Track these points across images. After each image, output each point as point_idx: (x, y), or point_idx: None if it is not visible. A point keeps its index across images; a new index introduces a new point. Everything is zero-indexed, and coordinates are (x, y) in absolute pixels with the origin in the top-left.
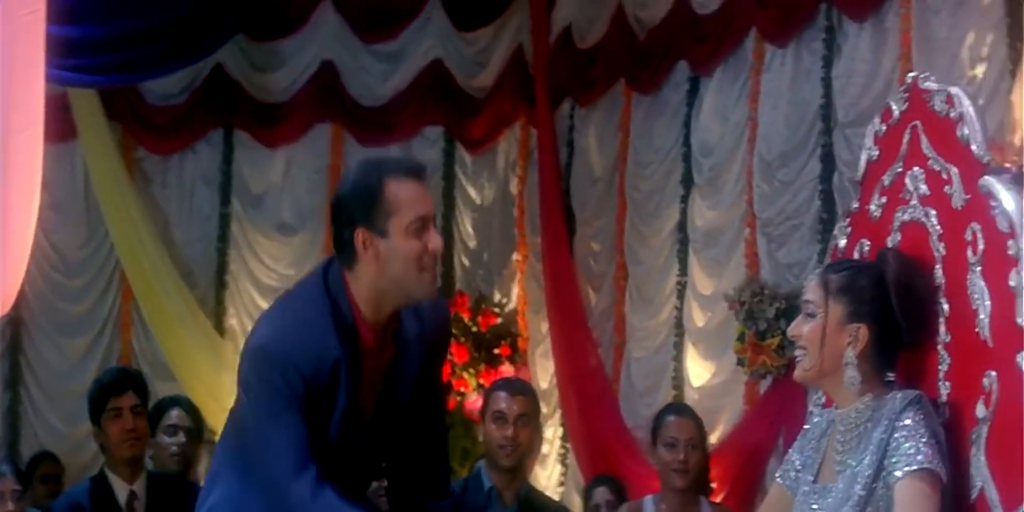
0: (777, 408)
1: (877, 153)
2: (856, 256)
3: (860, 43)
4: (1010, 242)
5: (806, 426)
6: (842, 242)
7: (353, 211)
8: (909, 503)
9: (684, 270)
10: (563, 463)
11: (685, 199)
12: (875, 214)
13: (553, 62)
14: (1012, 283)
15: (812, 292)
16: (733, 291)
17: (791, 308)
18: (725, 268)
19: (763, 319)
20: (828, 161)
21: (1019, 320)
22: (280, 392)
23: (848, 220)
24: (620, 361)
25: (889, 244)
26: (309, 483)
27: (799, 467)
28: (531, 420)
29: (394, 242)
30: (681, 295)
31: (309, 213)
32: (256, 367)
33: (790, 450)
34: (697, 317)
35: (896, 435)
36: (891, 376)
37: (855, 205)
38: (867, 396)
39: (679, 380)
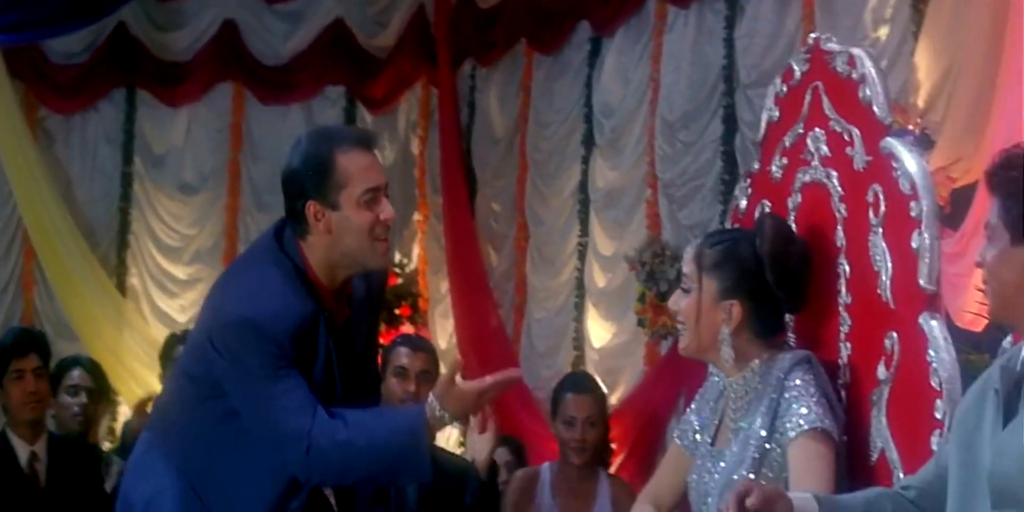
0: (677, 369)
1: (778, 114)
2: (757, 216)
3: (763, 4)
4: (912, 204)
5: (710, 382)
6: (743, 203)
7: (304, 184)
8: (804, 463)
9: (585, 231)
10: (463, 422)
11: (586, 160)
12: (776, 175)
13: (454, 22)
14: (914, 245)
15: (687, 266)
16: (634, 252)
17: None
18: (626, 229)
19: (664, 280)
20: (730, 122)
21: (921, 281)
22: (274, 356)
23: (749, 181)
24: (521, 322)
25: (790, 205)
26: (326, 419)
27: (697, 428)
28: (432, 377)
29: (346, 214)
30: (582, 256)
31: (211, 173)
32: (244, 338)
33: (688, 410)
34: (598, 278)
35: (786, 395)
36: (791, 338)
37: (756, 166)
38: (755, 362)
39: (580, 341)
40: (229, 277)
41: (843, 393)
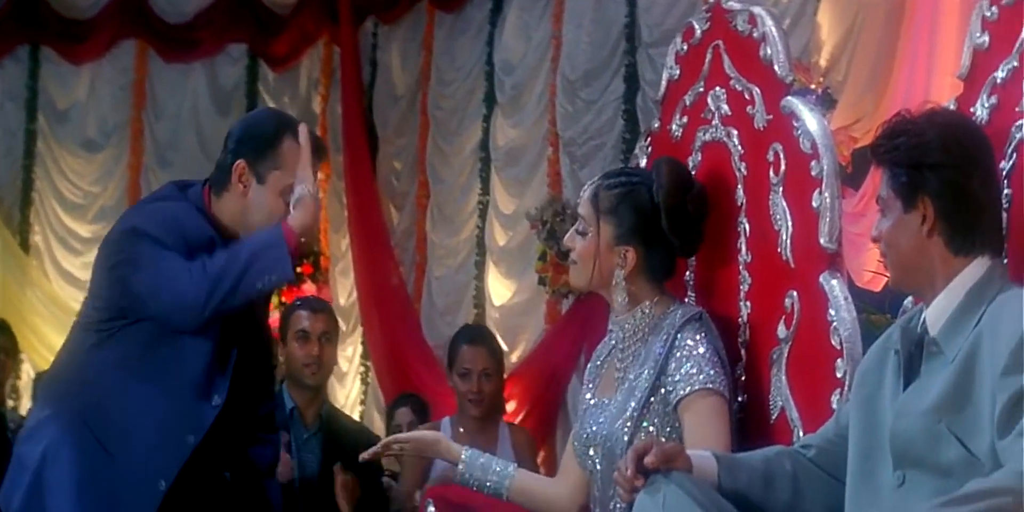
0: (579, 327)
1: (679, 72)
2: None
3: None
4: (813, 163)
5: (597, 349)
6: (643, 161)
7: (246, 143)
8: (697, 423)
9: (486, 189)
10: (364, 381)
11: (488, 118)
12: (676, 134)
13: None
14: (815, 204)
15: (584, 207)
16: (535, 210)
17: None
18: (527, 187)
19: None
20: (632, 81)
21: (822, 241)
22: (164, 247)
23: (649, 140)
24: (422, 280)
25: (690, 164)
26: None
27: (593, 376)
28: (333, 337)
29: (265, 193)
30: (483, 214)
31: (114, 130)
32: (134, 242)
33: (590, 362)
34: (499, 236)
35: (676, 353)
36: (691, 296)
37: (656, 125)
38: (645, 303)
39: (480, 299)
40: (131, 210)
41: (742, 351)
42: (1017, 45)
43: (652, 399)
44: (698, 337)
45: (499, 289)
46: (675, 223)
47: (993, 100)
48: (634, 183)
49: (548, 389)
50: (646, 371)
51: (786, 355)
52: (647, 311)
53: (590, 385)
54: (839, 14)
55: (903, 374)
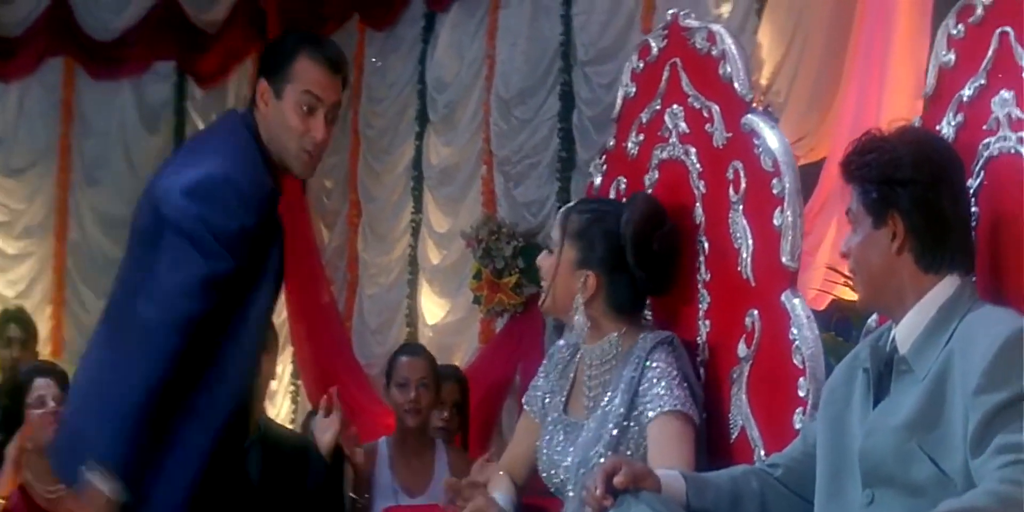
0: (514, 346)
1: (634, 90)
2: (613, 194)
3: None
4: (774, 181)
5: (557, 349)
6: (597, 180)
7: (265, 61)
8: (663, 444)
9: (419, 208)
10: (293, 400)
11: (420, 136)
12: (632, 152)
13: None
14: (776, 222)
15: (555, 228)
16: (470, 229)
17: (529, 246)
18: (461, 206)
19: (500, 257)
20: (567, 99)
21: (783, 259)
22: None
23: (604, 158)
24: (353, 298)
25: (647, 182)
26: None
27: (545, 394)
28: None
29: (283, 108)
30: (416, 233)
31: (42, 148)
32: (215, 194)
33: (536, 376)
34: (432, 255)
35: (647, 376)
36: (648, 316)
37: (611, 143)
38: (614, 334)
39: (413, 318)
40: (196, 145)
41: (702, 371)
42: (984, 63)
43: (627, 424)
44: (669, 359)
45: (432, 308)
46: (639, 256)
47: (960, 118)
48: (605, 211)
49: (482, 408)
50: (619, 397)
51: (747, 374)
52: (614, 341)
53: (556, 398)
54: (779, 32)
55: (873, 392)
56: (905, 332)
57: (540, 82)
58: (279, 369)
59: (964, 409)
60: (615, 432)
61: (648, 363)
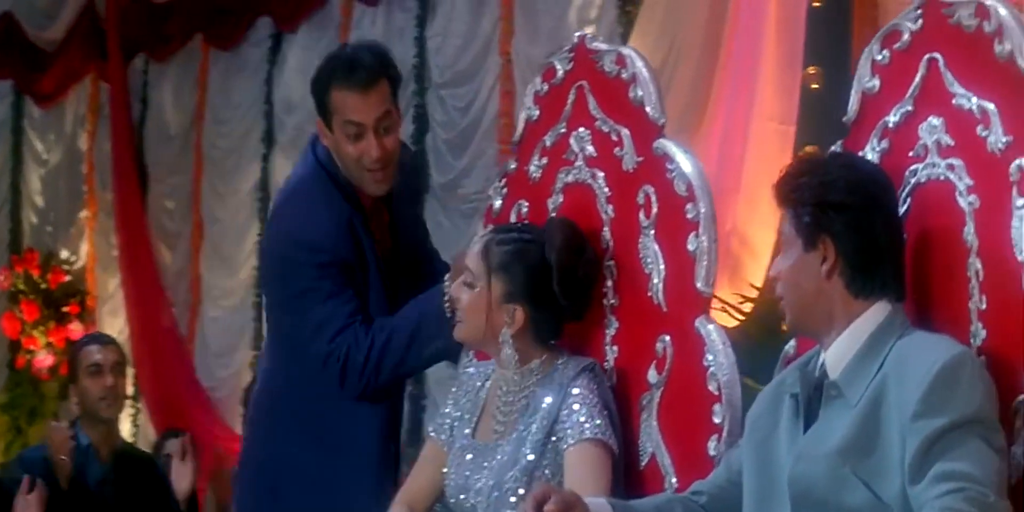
0: None
1: (537, 113)
2: (514, 217)
3: (457, 4)
4: (689, 206)
5: (465, 375)
6: (497, 203)
7: (315, 101)
8: (582, 469)
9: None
10: (134, 423)
11: (267, 158)
12: (535, 175)
13: (126, 15)
14: (691, 247)
15: (473, 261)
16: None
17: None
18: None
19: None
20: (422, 122)
21: (698, 285)
22: (314, 265)
23: (504, 181)
24: (195, 321)
25: (550, 206)
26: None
27: (455, 419)
28: (124, 369)
29: (336, 140)
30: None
31: None
32: (285, 253)
33: (445, 405)
34: None
35: (568, 402)
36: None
37: (512, 166)
38: (534, 362)
39: (258, 340)
40: (279, 200)
41: (611, 404)
42: (911, 90)
43: (546, 450)
44: (592, 387)
45: None
46: (566, 285)
47: (885, 144)
48: (527, 241)
49: None
50: (536, 422)
51: (657, 401)
52: (535, 368)
53: (465, 425)
54: (648, 52)
55: (803, 418)
56: (835, 357)
57: None
58: None
59: (901, 435)
60: (532, 457)
61: (570, 390)
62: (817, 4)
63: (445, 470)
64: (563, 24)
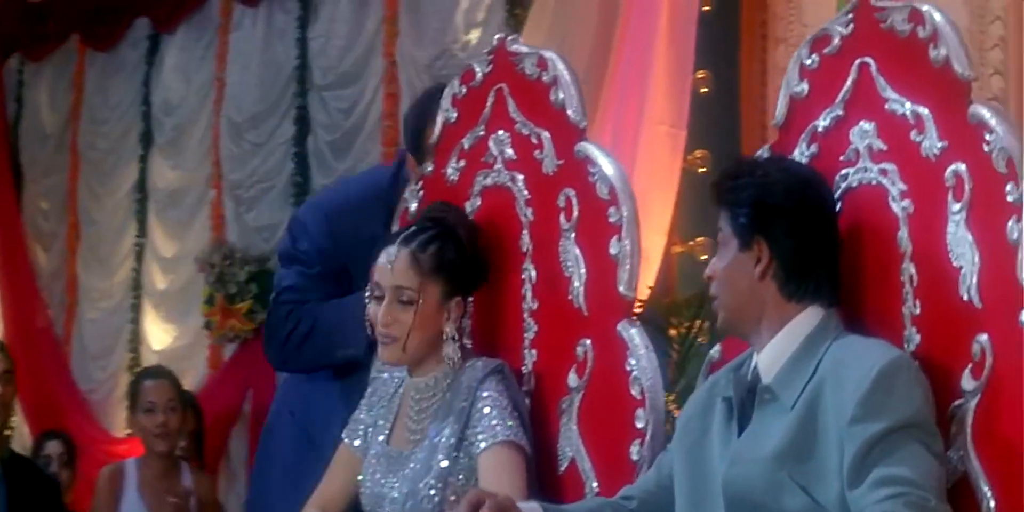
0: (244, 373)
1: (456, 116)
2: None
3: (340, 5)
4: (611, 209)
5: (377, 381)
6: (413, 206)
7: (406, 139)
8: (497, 473)
9: (143, 231)
10: (7, 425)
11: (144, 159)
12: (452, 178)
13: (1, 15)
14: (613, 251)
15: (402, 277)
16: (202, 253)
17: (262, 272)
18: (189, 230)
19: (234, 282)
20: (303, 124)
21: (620, 288)
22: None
23: (421, 183)
24: (72, 322)
25: (468, 208)
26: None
27: (369, 426)
28: (12, 377)
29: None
30: (140, 256)
31: None
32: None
33: (357, 410)
34: (158, 279)
35: (478, 405)
36: (467, 344)
37: (429, 168)
38: (444, 365)
39: (136, 343)
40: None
41: (528, 401)
42: (841, 94)
43: (458, 455)
44: (500, 389)
45: (158, 333)
46: (481, 268)
47: (813, 149)
48: (440, 236)
49: (211, 435)
50: (448, 428)
51: (577, 405)
52: (447, 371)
53: (379, 432)
54: None
55: (737, 421)
56: (768, 361)
57: (274, 106)
58: None
59: (839, 439)
60: (445, 463)
61: (479, 393)
62: (706, 8)
63: (360, 477)
64: (449, 26)
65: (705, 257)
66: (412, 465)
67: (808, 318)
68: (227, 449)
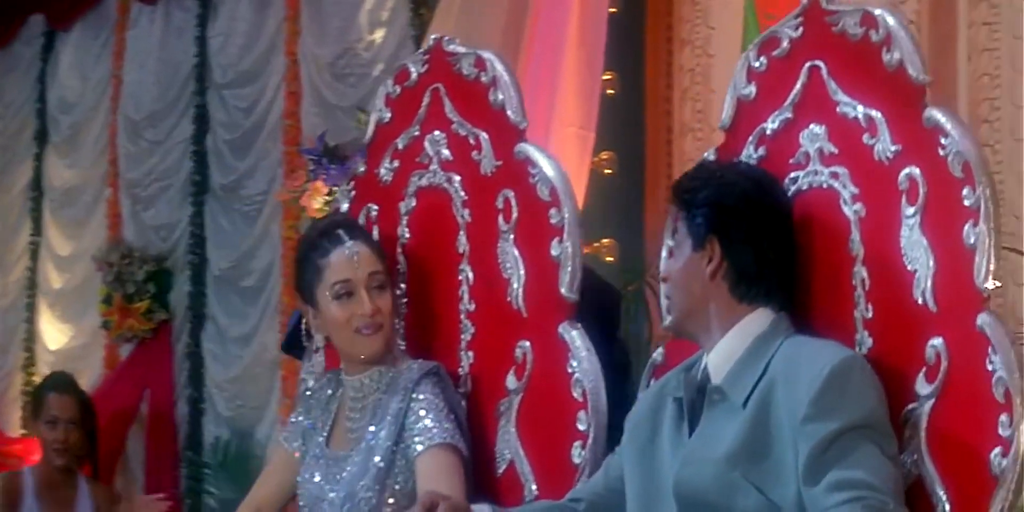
0: (140, 373)
1: (389, 116)
2: (363, 220)
3: (240, 3)
4: (552, 211)
5: (308, 385)
6: (344, 206)
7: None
8: (434, 475)
9: (38, 230)
10: None
11: (40, 157)
12: (385, 178)
13: None
14: (554, 253)
15: (372, 262)
16: (100, 252)
17: (160, 271)
18: (85, 229)
19: (132, 282)
20: (202, 122)
21: (562, 290)
22: None
23: (353, 184)
24: None
25: (403, 209)
26: None
27: (308, 427)
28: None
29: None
30: (35, 255)
31: None
32: None
33: (294, 412)
34: (53, 278)
35: (414, 407)
36: (400, 345)
37: (362, 169)
38: (380, 365)
39: (31, 342)
40: None
41: (464, 403)
42: (791, 97)
43: (395, 457)
44: (436, 391)
45: (53, 333)
46: None
47: (761, 151)
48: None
49: (106, 435)
50: (385, 430)
51: (516, 407)
52: (383, 371)
53: (318, 433)
54: None
55: (688, 422)
56: (718, 361)
57: (172, 104)
58: None
59: (792, 438)
60: (382, 465)
61: (415, 395)
62: (612, 10)
63: (299, 479)
64: (352, 25)
65: (611, 259)
66: (349, 467)
67: (758, 319)
68: (125, 449)
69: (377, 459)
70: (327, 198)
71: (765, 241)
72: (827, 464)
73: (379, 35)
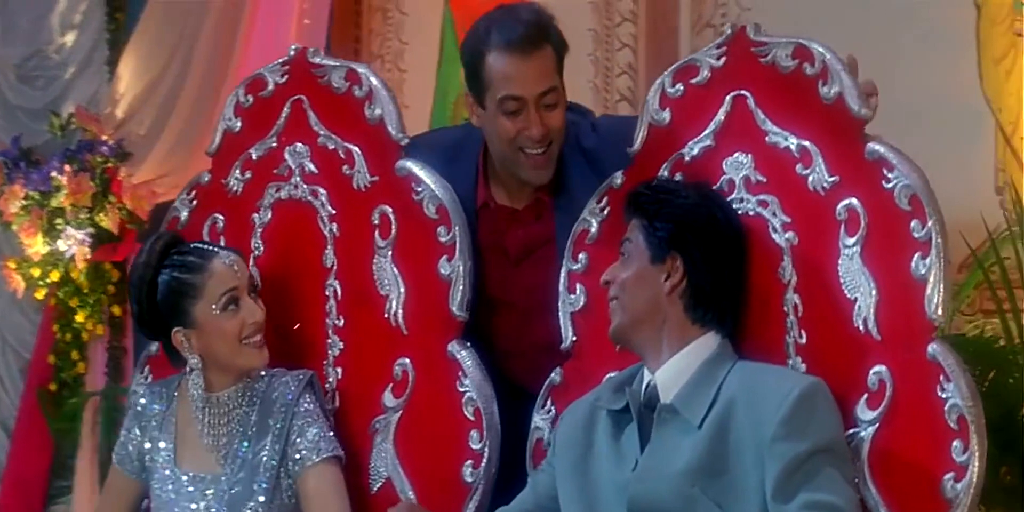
0: None
1: (240, 125)
2: (207, 231)
3: None
4: (440, 229)
5: (140, 401)
6: (183, 215)
7: (464, 72)
8: (326, 491)
9: None
10: None
11: None
12: (235, 189)
13: None
14: (443, 270)
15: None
16: None
17: None
18: None
19: None
20: None
21: (453, 309)
22: None
23: (193, 193)
24: None
25: (256, 221)
26: None
27: (146, 450)
28: None
29: (489, 117)
30: None
31: None
32: None
33: (125, 431)
34: None
35: (298, 422)
36: None
37: (206, 178)
38: (245, 379)
39: None
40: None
41: (331, 418)
42: (712, 125)
43: (281, 474)
44: (317, 402)
45: None
46: None
47: (678, 177)
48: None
49: None
50: (268, 448)
51: (395, 424)
52: (248, 383)
53: (167, 452)
54: (142, 68)
55: (639, 436)
56: (667, 380)
57: None
58: None
59: (757, 457)
60: (267, 486)
61: (297, 409)
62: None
63: (150, 503)
64: (43, 26)
65: None
66: (231, 489)
67: (707, 342)
68: None
69: (263, 479)
70: (24, 202)
71: (725, 268)
72: (798, 484)
73: (70, 38)
